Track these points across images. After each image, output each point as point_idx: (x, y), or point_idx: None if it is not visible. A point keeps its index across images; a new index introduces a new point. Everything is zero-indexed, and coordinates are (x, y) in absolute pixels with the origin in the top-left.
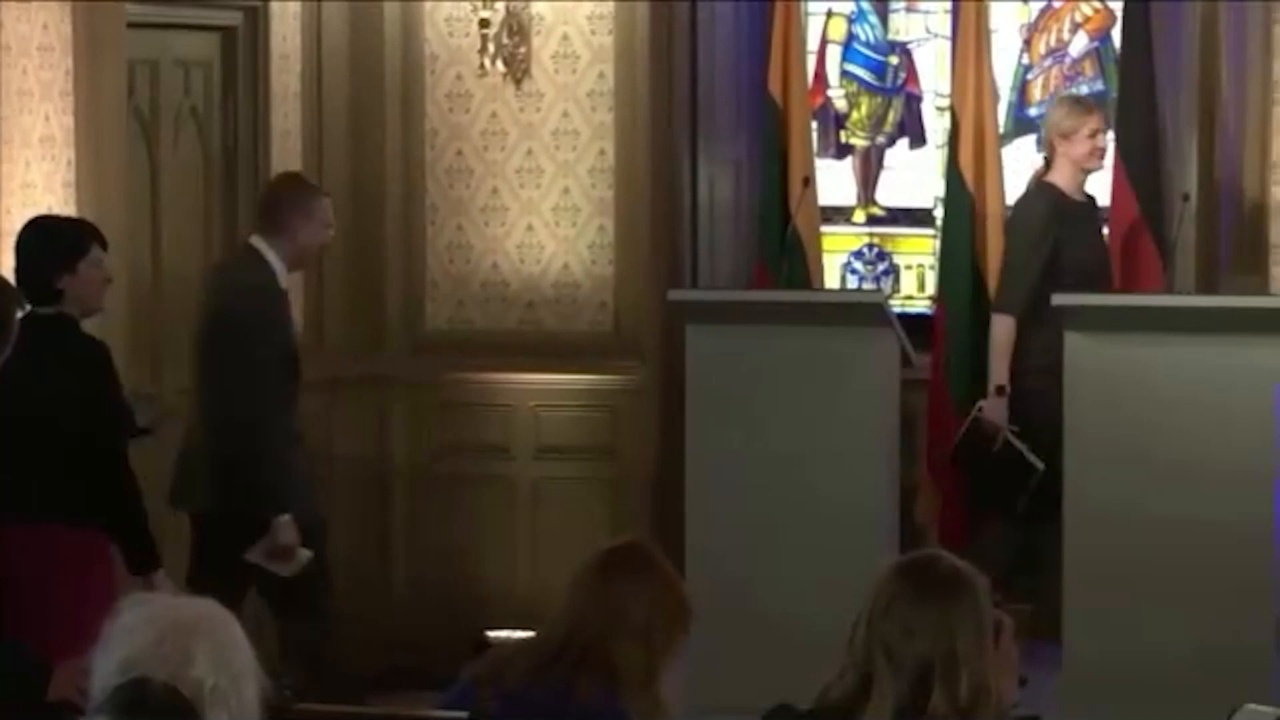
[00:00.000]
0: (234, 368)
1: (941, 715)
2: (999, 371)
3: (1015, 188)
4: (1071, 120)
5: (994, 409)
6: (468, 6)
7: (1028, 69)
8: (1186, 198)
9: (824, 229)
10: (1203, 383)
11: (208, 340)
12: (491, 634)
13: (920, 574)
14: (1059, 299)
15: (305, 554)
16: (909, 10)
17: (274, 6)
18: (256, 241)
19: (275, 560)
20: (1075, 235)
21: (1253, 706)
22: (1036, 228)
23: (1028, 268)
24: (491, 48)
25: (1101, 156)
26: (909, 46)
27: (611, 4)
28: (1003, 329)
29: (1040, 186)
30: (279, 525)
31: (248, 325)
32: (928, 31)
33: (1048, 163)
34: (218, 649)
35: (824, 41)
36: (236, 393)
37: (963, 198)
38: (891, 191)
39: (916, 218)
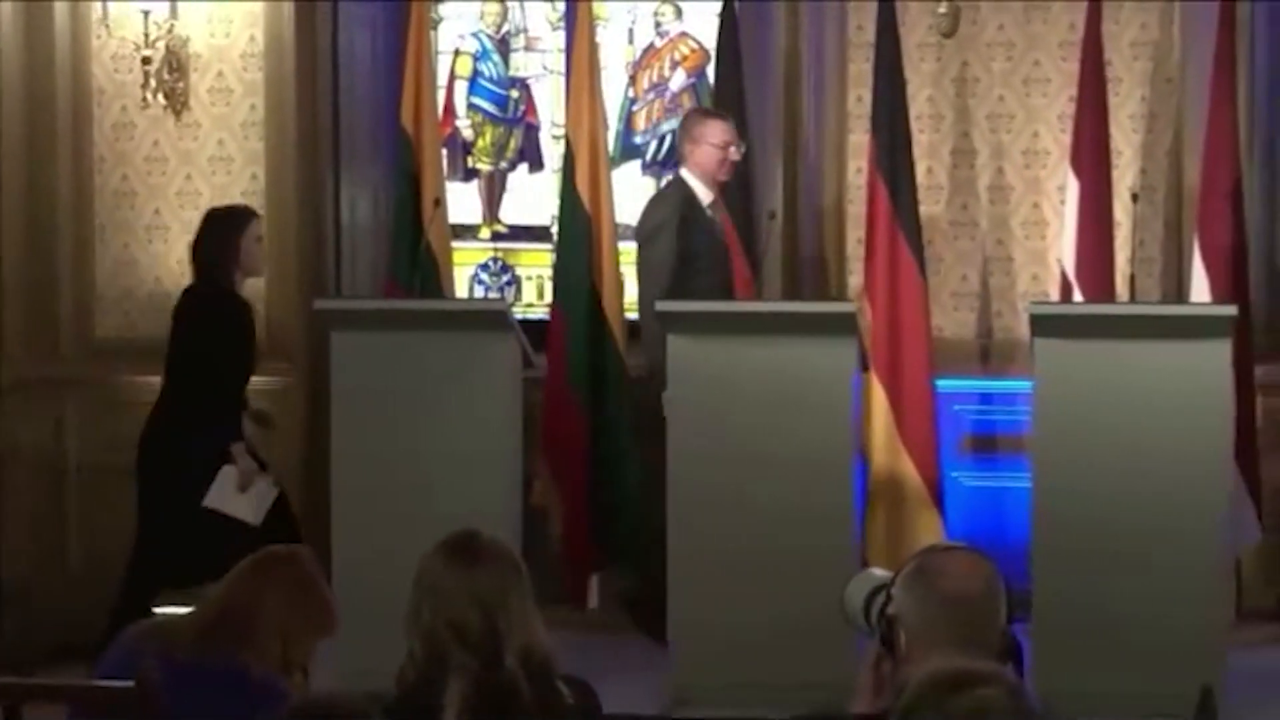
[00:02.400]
0: None
1: (509, 677)
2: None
3: (624, 207)
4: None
5: None
6: (131, 44)
7: (633, 101)
8: (773, 215)
9: (454, 244)
10: (789, 378)
11: None
12: (158, 610)
13: (464, 550)
14: (661, 305)
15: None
16: (528, 50)
17: None
18: None
19: None
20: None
21: (871, 570)
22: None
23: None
24: (153, 82)
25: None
26: (528, 81)
27: (261, 43)
28: None
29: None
30: None
31: None
32: (545, 69)
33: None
34: None
35: (452, 77)
36: None
37: (579, 216)
38: (513, 211)
39: (536, 234)
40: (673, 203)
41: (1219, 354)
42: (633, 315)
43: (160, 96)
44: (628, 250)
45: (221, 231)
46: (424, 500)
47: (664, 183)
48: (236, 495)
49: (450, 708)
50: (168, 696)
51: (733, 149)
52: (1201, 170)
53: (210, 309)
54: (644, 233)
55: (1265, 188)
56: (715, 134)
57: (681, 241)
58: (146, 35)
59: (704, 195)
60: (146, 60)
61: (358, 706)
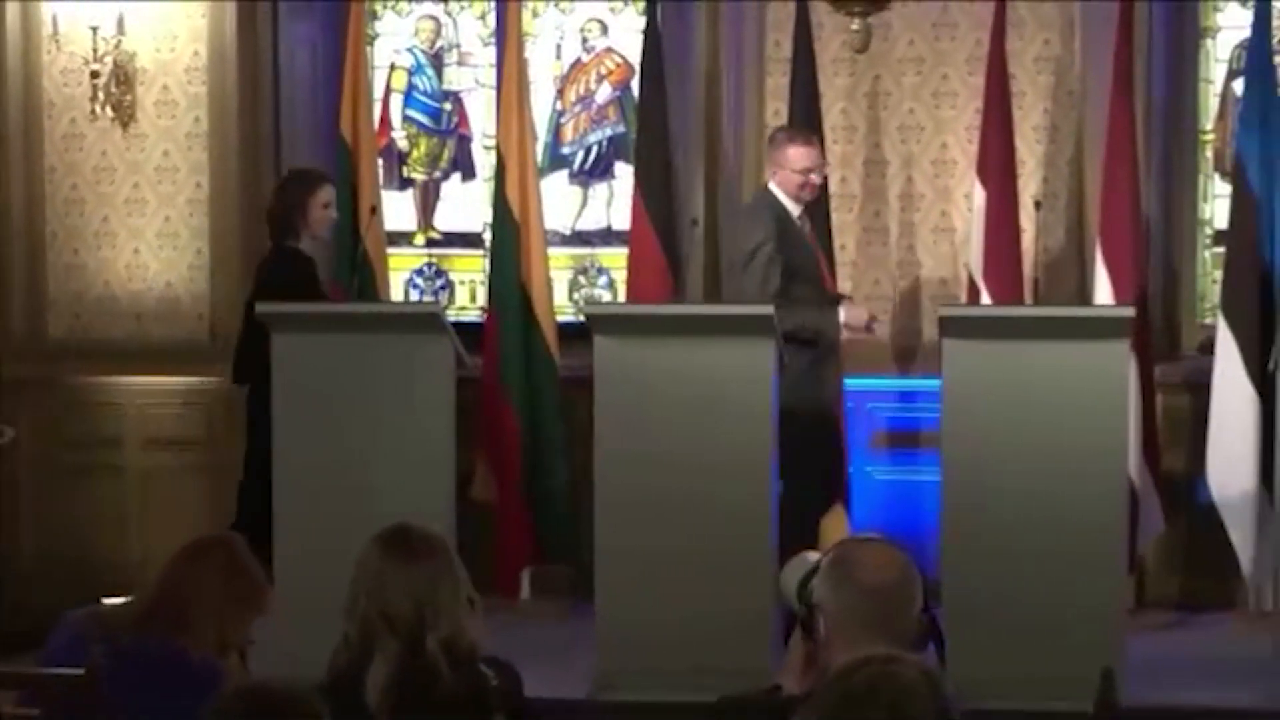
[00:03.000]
0: None
1: (431, 658)
2: None
3: (553, 215)
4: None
5: None
6: (80, 59)
7: (561, 114)
8: (695, 222)
9: (390, 250)
10: (711, 378)
11: None
12: (106, 600)
13: (399, 543)
14: (586, 308)
15: None
16: (460, 65)
17: None
18: None
19: None
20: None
21: (806, 555)
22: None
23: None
24: (101, 96)
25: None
26: (460, 95)
27: (205, 58)
28: None
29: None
30: None
31: None
32: (476, 83)
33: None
34: None
35: (388, 90)
36: None
37: (510, 223)
38: (447, 218)
39: (468, 240)
40: (765, 220)
41: (1118, 354)
42: (563, 317)
43: (108, 109)
44: (556, 255)
45: (294, 191)
46: (362, 495)
47: (752, 198)
48: None
49: (373, 688)
50: (111, 681)
51: (814, 175)
52: (1102, 178)
53: (272, 265)
54: (743, 253)
55: (1162, 195)
56: (795, 160)
57: (781, 254)
58: (95, 50)
59: (793, 208)
60: (95, 74)
61: (296, 690)
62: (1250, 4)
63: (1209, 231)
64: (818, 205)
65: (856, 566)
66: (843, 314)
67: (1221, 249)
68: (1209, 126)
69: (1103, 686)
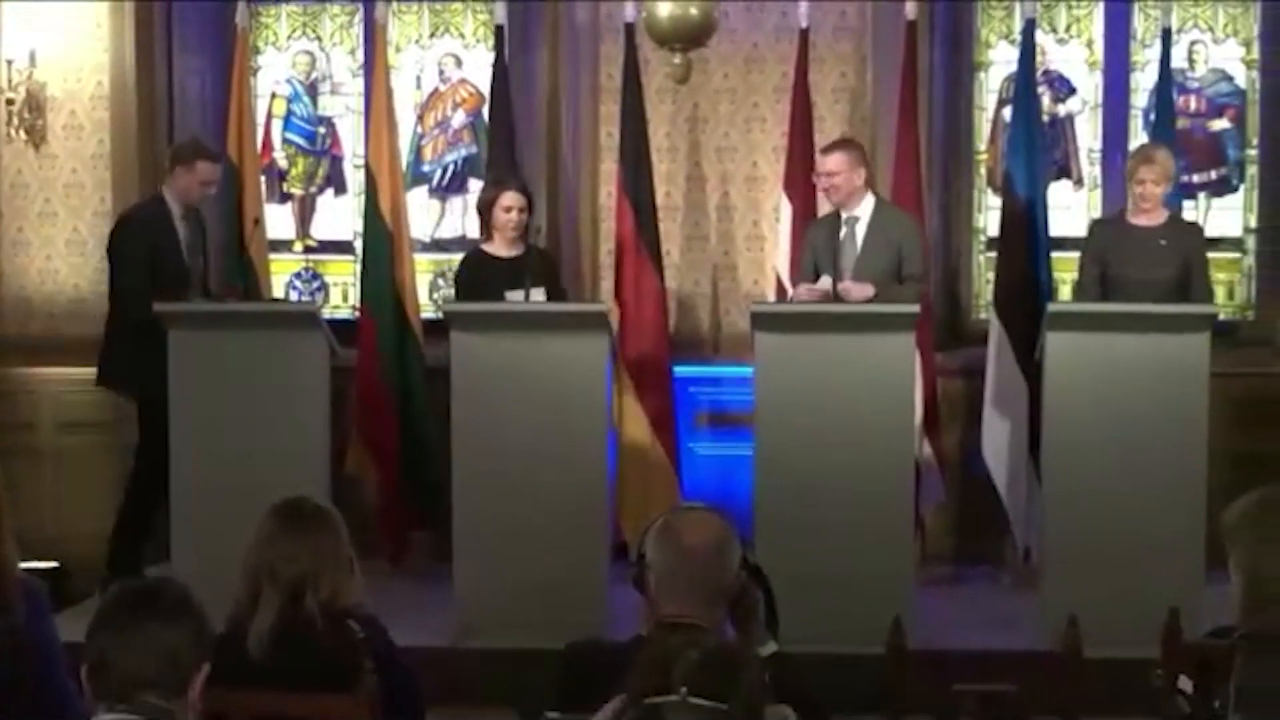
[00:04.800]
0: None
1: (308, 615)
2: None
3: (415, 225)
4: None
5: None
6: None
7: (421, 136)
8: (539, 230)
9: (272, 256)
10: (552, 367)
11: None
12: (25, 565)
13: (292, 513)
14: (446, 306)
15: None
16: (333, 93)
17: None
18: None
19: None
20: (1122, 251)
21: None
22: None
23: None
24: (16, 120)
25: (1146, 198)
26: (333, 120)
27: (108, 88)
28: None
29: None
30: None
31: None
32: (347, 109)
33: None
34: None
35: (269, 116)
36: None
37: (381, 233)
38: (322, 228)
39: (341, 247)
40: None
41: (905, 345)
42: (425, 314)
43: (22, 132)
44: (419, 260)
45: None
46: (248, 471)
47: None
48: None
49: (256, 637)
50: None
51: (821, 179)
52: (891, 192)
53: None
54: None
55: (942, 207)
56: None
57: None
58: (10, 80)
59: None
60: (10, 101)
61: (175, 586)
62: (1016, 42)
63: (983, 239)
64: (645, 218)
65: (679, 531)
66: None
67: (994, 254)
68: (982, 148)
69: (893, 631)
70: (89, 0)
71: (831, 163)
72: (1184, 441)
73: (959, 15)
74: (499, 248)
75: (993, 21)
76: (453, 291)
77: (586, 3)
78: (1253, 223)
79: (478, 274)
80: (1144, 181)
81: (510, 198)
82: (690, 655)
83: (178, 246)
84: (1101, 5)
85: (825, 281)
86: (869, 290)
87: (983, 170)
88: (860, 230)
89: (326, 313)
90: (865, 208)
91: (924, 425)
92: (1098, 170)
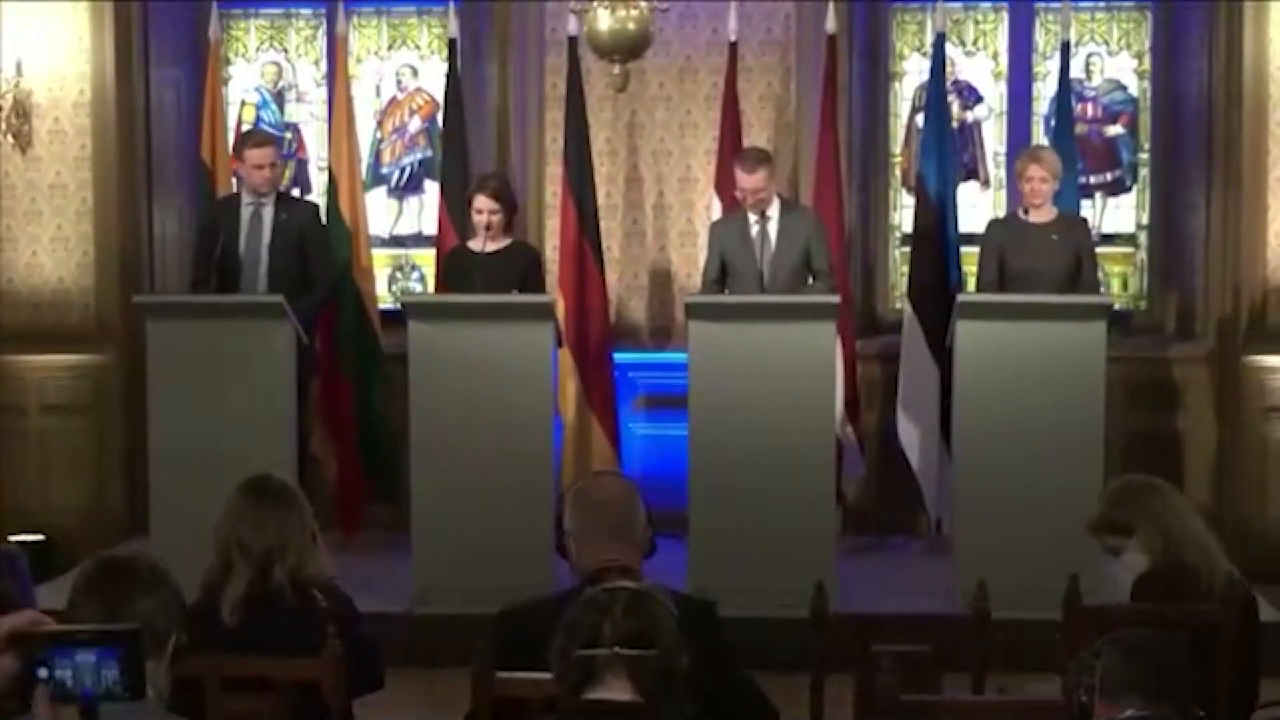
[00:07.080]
0: None
1: (277, 585)
2: None
3: (374, 223)
4: (1019, 165)
5: None
6: None
7: (380, 141)
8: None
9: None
10: (501, 353)
11: None
12: (13, 538)
13: (259, 489)
14: (405, 299)
15: None
16: (299, 101)
17: None
18: None
19: None
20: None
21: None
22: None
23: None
24: (3, 126)
25: (1036, 194)
26: (299, 125)
27: (89, 96)
28: None
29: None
30: None
31: None
32: (312, 116)
33: None
34: None
35: (240, 121)
36: None
37: (342, 230)
38: None
39: None
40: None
41: (827, 333)
42: (384, 305)
43: (9, 136)
44: (378, 255)
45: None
46: (222, 450)
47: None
48: None
49: (227, 604)
50: None
51: (745, 194)
52: (814, 193)
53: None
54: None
55: (861, 206)
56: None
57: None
58: None
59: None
60: None
61: (148, 558)
62: (928, 54)
63: (898, 235)
64: (587, 216)
65: (590, 490)
66: None
67: (908, 249)
68: (897, 151)
69: (816, 596)
70: (73, 14)
71: (757, 180)
72: (1082, 420)
73: (875, 30)
74: (476, 243)
75: (906, 35)
76: (413, 284)
77: (533, 17)
78: (1144, 220)
79: (453, 265)
80: (1032, 179)
81: (480, 201)
82: (615, 611)
83: (235, 235)
84: (1006, 20)
85: None
86: None
87: (898, 172)
88: (772, 230)
89: None
90: (774, 208)
91: (845, 407)
92: (1003, 172)
